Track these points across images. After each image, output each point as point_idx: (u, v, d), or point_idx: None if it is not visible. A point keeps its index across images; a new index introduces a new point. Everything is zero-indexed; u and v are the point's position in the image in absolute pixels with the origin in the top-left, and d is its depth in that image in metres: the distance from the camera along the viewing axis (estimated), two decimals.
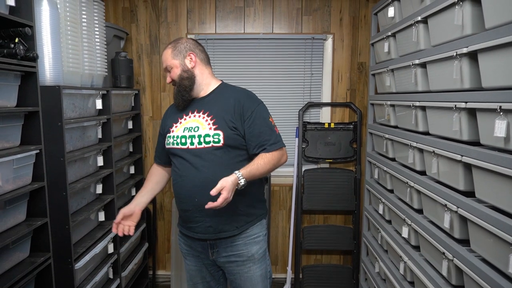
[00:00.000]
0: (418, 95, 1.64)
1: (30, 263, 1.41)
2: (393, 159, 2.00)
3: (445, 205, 1.38)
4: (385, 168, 2.05)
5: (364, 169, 2.58)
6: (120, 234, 1.54)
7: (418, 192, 1.65)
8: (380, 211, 2.13)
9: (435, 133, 1.51)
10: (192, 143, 1.53)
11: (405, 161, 1.79)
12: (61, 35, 1.60)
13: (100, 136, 1.96)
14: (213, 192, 1.34)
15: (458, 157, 1.29)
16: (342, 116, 2.71)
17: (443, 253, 1.38)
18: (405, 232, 1.75)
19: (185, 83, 1.56)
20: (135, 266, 2.40)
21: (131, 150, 2.50)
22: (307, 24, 2.63)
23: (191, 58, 1.57)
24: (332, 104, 2.69)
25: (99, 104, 1.88)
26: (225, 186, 1.35)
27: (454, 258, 1.31)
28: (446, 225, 1.38)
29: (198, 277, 1.67)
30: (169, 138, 1.60)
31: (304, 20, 2.63)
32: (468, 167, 1.28)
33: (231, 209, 1.48)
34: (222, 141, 1.50)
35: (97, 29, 1.94)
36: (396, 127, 1.96)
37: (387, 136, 2.02)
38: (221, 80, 1.67)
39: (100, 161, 1.93)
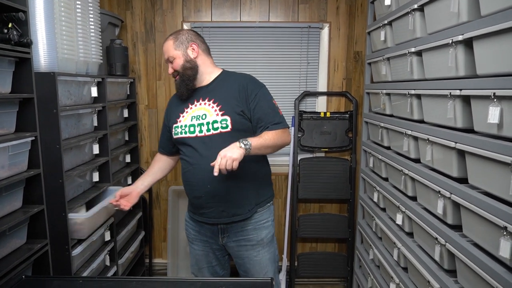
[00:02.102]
0: (413, 83, 1.65)
1: (27, 250, 1.41)
2: (388, 148, 2.02)
3: (439, 191, 1.39)
4: (380, 157, 2.06)
5: (359, 158, 2.60)
6: (114, 203, 1.62)
7: (412, 179, 1.67)
8: (375, 199, 2.16)
9: (430, 121, 1.53)
10: (200, 131, 1.57)
11: (400, 149, 1.80)
12: (55, 21, 1.58)
13: (95, 124, 1.95)
14: (213, 164, 1.36)
15: (452, 144, 1.31)
16: (338, 105, 2.72)
17: (436, 239, 1.41)
18: (399, 219, 1.77)
19: (188, 73, 1.60)
20: (132, 254, 2.42)
21: (127, 138, 2.50)
22: (303, 13, 2.62)
23: (193, 49, 1.61)
24: (328, 93, 2.69)
25: (94, 92, 1.87)
26: (219, 154, 1.36)
27: (447, 243, 1.34)
28: (439, 211, 1.41)
29: (204, 261, 1.73)
30: (176, 128, 1.63)
31: (300, 9, 2.61)
32: (461, 154, 1.30)
33: (242, 192, 1.58)
34: (230, 126, 1.53)
35: (91, 15, 1.92)
36: (391, 115, 1.97)
37: (382, 124, 2.04)
38: (222, 69, 1.71)
39: (96, 149, 1.93)
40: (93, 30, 1.93)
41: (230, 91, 1.58)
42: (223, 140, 1.51)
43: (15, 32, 1.32)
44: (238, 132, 1.53)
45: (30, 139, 1.42)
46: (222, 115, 1.54)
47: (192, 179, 1.59)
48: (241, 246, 1.65)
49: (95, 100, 1.95)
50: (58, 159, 1.55)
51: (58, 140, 1.54)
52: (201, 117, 1.57)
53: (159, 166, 1.79)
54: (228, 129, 1.53)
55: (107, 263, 2.02)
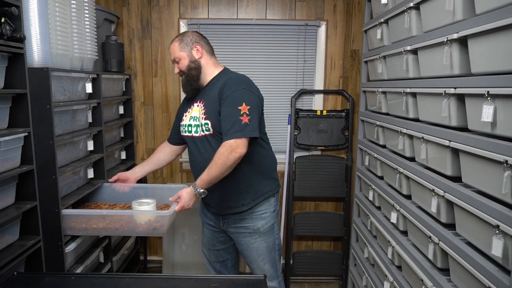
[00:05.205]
0: (409, 81, 1.65)
1: (20, 246, 1.41)
2: (384, 146, 2.02)
3: (433, 190, 1.39)
4: (375, 155, 2.06)
5: (355, 157, 2.60)
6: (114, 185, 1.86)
7: (407, 178, 1.67)
8: (370, 198, 2.16)
9: (425, 119, 1.53)
10: (196, 131, 1.69)
11: (395, 148, 1.80)
12: (49, 16, 1.56)
13: (90, 120, 1.94)
14: (171, 199, 1.61)
15: (446, 143, 1.30)
16: (335, 104, 2.71)
17: (430, 237, 1.41)
18: (393, 217, 1.77)
19: (193, 73, 1.69)
20: (127, 251, 2.42)
21: (122, 135, 2.48)
22: (300, 11, 2.61)
23: (197, 49, 1.69)
24: (325, 92, 2.69)
25: (89, 88, 1.86)
26: (180, 196, 1.58)
27: (440, 242, 1.34)
28: (433, 209, 1.41)
29: (210, 244, 1.90)
30: (181, 126, 1.78)
31: (297, 6, 2.61)
32: (456, 152, 1.30)
33: (235, 191, 1.68)
34: (211, 130, 1.62)
35: (86, 11, 1.90)
36: (387, 114, 1.97)
37: (378, 123, 2.03)
38: (223, 67, 1.76)
39: (90, 146, 1.92)
40: (88, 26, 1.92)
41: (215, 94, 1.62)
42: (208, 142, 1.64)
43: (7, 27, 1.30)
44: (220, 134, 1.58)
45: (23, 135, 1.41)
46: (205, 118, 1.63)
47: (193, 172, 1.76)
48: (240, 233, 1.75)
49: (90, 96, 1.94)
50: (51, 155, 1.54)
51: (51, 136, 1.53)
52: (195, 119, 1.69)
53: (159, 156, 1.93)
54: (210, 132, 1.62)
55: (101, 260, 2.01)
